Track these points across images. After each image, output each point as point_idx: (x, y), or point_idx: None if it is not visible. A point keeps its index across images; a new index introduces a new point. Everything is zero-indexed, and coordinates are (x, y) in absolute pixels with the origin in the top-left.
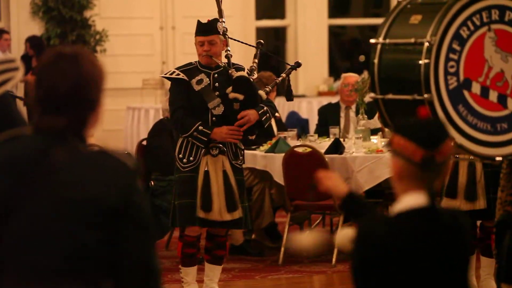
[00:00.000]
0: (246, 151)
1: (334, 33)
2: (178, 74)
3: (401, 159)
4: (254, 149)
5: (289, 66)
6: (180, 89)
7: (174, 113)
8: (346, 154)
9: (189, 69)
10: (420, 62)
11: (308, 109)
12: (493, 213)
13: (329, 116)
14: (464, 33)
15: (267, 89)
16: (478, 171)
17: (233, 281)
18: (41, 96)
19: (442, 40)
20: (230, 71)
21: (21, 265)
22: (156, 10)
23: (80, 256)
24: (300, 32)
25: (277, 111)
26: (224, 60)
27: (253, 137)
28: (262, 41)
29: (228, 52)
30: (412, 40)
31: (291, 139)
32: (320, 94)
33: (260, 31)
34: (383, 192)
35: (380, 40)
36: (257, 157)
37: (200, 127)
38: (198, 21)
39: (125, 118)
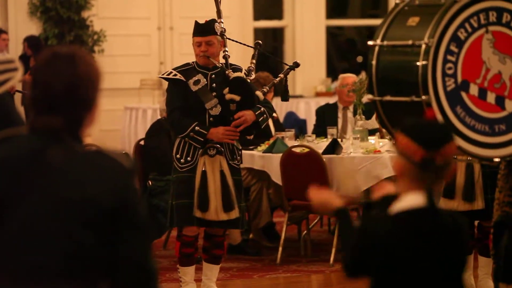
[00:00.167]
0: (244, 151)
1: (332, 34)
2: (175, 75)
3: (402, 158)
4: (252, 149)
5: (287, 67)
6: (177, 89)
7: (171, 113)
8: (344, 155)
9: (187, 70)
10: (418, 63)
11: (306, 110)
12: (491, 214)
13: (326, 117)
14: (461, 35)
15: (265, 89)
16: (476, 172)
17: (231, 281)
18: (37, 96)
19: (440, 42)
20: (227, 72)
21: (18, 266)
22: (154, 10)
23: (76, 256)
24: (298, 33)
25: (274, 112)
26: (222, 60)
27: (251, 137)
28: (260, 41)
29: (226, 53)
30: (410, 42)
31: (289, 139)
32: (318, 94)
33: (258, 32)
34: None
35: (378, 42)
36: (255, 157)
37: (197, 128)
38: (196, 22)
39: (122, 118)
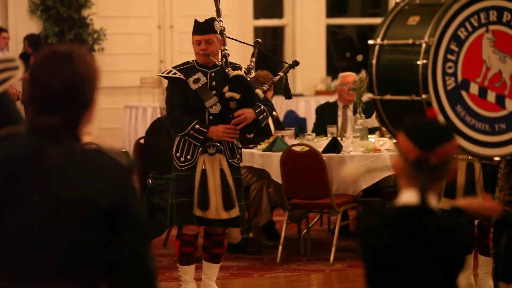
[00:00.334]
0: (243, 150)
1: (332, 32)
2: (175, 73)
3: (400, 157)
4: (252, 148)
5: (286, 65)
6: (177, 88)
7: (170, 112)
8: (344, 153)
9: (186, 68)
10: (418, 62)
11: (306, 108)
12: None
13: (326, 115)
14: (462, 34)
15: (265, 88)
16: (477, 171)
17: (231, 279)
18: (36, 94)
19: (440, 41)
20: (227, 70)
21: (17, 265)
22: (154, 9)
23: (76, 255)
24: (298, 31)
25: (274, 110)
26: (222, 59)
27: (251, 135)
28: (259, 40)
29: (226, 51)
30: (410, 41)
31: (289, 138)
32: (318, 93)
33: (258, 31)
34: (381, 191)
35: (378, 41)
36: (255, 156)
37: (197, 126)
38: (196, 20)
39: (122, 117)
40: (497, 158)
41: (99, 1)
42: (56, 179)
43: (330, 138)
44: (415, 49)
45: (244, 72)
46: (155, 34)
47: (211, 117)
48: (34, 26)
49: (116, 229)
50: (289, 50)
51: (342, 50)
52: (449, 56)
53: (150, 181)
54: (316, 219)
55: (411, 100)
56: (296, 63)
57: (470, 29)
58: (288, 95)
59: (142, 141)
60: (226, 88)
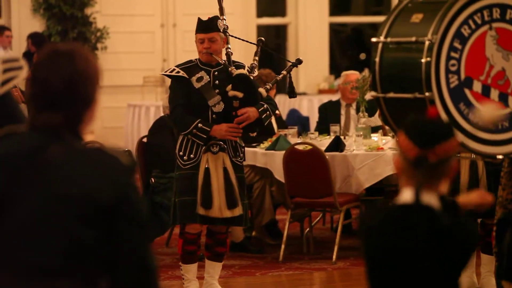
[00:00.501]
0: (246, 149)
1: (335, 31)
2: (178, 72)
3: (400, 155)
4: (255, 147)
5: (289, 64)
6: (180, 86)
7: (173, 110)
8: (347, 152)
9: (189, 67)
10: (422, 60)
11: (309, 107)
12: (494, 212)
13: (329, 114)
14: (465, 31)
15: (268, 86)
16: (480, 170)
17: (233, 278)
18: (37, 92)
19: (443, 38)
20: (230, 69)
21: (17, 263)
22: (157, 7)
23: (76, 253)
24: (301, 30)
25: (277, 109)
26: (225, 57)
27: (254, 134)
28: (262, 38)
29: (229, 50)
30: (413, 39)
31: (292, 136)
32: (321, 92)
33: (261, 29)
34: (384, 190)
35: (382, 38)
36: (258, 155)
37: (200, 125)
38: (199, 19)
39: (125, 115)
40: (500, 156)
41: None
42: (56, 177)
43: (333, 137)
44: (419, 47)
45: (247, 70)
46: (158, 33)
47: (214, 115)
48: (37, 25)
49: (116, 228)
50: (292, 49)
51: (345, 48)
52: (452, 54)
53: (153, 180)
54: (318, 218)
55: (414, 98)
56: (299, 62)
57: (473, 26)
58: (292, 93)
59: (145, 139)
60: (229, 86)
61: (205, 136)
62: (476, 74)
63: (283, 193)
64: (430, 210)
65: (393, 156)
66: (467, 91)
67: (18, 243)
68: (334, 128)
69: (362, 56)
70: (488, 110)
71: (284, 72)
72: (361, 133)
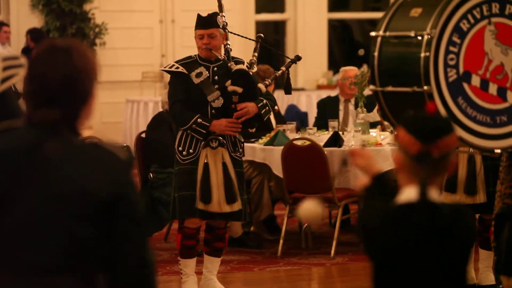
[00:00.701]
0: (245, 144)
1: (334, 27)
2: (177, 68)
3: (400, 151)
4: (253, 142)
5: (288, 60)
6: (180, 82)
7: (173, 106)
8: (345, 147)
9: (189, 63)
10: (420, 54)
11: (307, 102)
12: (492, 207)
13: (328, 109)
14: (464, 26)
15: (267, 82)
16: (478, 165)
17: (231, 273)
18: (34, 88)
19: (442, 33)
20: (229, 64)
21: (16, 261)
22: (156, 3)
23: (74, 250)
24: (300, 26)
25: (276, 104)
26: (224, 53)
27: (253, 130)
28: (262, 34)
29: (228, 46)
30: (412, 33)
31: (290, 132)
32: (319, 87)
33: (260, 25)
34: None
35: (381, 33)
36: (256, 150)
37: (199, 120)
38: (198, 15)
39: (124, 111)
40: (498, 151)
41: None
42: (54, 174)
43: (331, 132)
44: (417, 41)
45: (247, 66)
46: (157, 29)
47: (213, 111)
48: (35, 21)
49: (114, 224)
50: (291, 45)
51: (344, 44)
52: (451, 48)
53: (151, 175)
54: None
55: (413, 92)
56: (298, 58)
57: (472, 21)
58: (288, 90)
59: (143, 135)
60: (229, 82)
61: (204, 132)
62: (474, 68)
63: (282, 188)
64: (436, 207)
65: (392, 152)
66: (465, 85)
67: (18, 242)
68: (333, 123)
69: (361, 52)
70: (307, 206)
71: (283, 68)
72: (360, 128)
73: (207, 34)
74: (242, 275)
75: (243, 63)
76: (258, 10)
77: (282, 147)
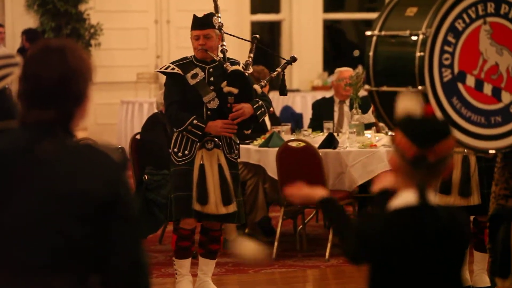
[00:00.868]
0: (240, 146)
1: (329, 27)
2: (173, 69)
3: (397, 154)
4: (248, 144)
5: (284, 61)
6: (175, 83)
7: (168, 107)
8: (340, 149)
9: (184, 64)
10: (415, 54)
11: (302, 104)
12: (487, 209)
13: (323, 111)
14: (459, 25)
15: (262, 83)
16: (472, 166)
17: (226, 275)
18: (28, 89)
19: (437, 32)
20: (225, 65)
21: (9, 260)
22: (151, 4)
23: (66, 250)
24: (295, 26)
25: (271, 106)
26: (220, 54)
27: (248, 131)
28: (257, 35)
29: (224, 47)
30: (407, 33)
31: (285, 133)
32: (314, 88)
33: (255, 26)
34: None
35: (376, 32)
36: (251, 152)
37: (195, 121)
38: (194, 15)
39: (119, 112)
40: (492, 151)
41: None
42: (47, 174)
43: (326, 134)
44: (412, 41)
45: (242, 67)
46: (152, 29)
47: (209, 112)
48: (31, 21)
49: (108, 225)
50: (286, 45)
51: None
52: (446, 48)
53: (146, 177)
54: (312, 215)
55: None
56: (293, 59)
57: (467, 20)
58: (283, 91)
59: (138, 136)
60: (224, 83)
61: (200, 133)
62: (469, 68)
63: (276, 190)
64: (435, 209)
65: (387, 154)
66: (460, 85)
67: (12, 242)
68: (328, 125)
69: (356, 52)
70: (248, 246)
71: (278, 69)
72: (355, 130)
73: (203, 35)
74: (237, 277)
75: (239, 64)
76: (253, 11)
77: (277, 149)
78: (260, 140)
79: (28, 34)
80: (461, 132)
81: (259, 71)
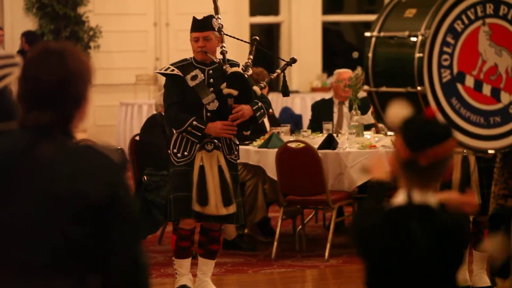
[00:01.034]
0: (239, 146)
1: (328, 29)
2: (172, 70)
3: (394, 155)
4: (247, 144)
5: (284, 63)
6: (175, 85)
7: (168, 108)
8: (339, 150)
9: (184, 65)
10: (414, 55)
11: (302, 105)
12: (486, 209)
13: (322, 112)
14: (458, 26)
15: (262, 85)
16: (471, 166)
17: (226, 276)
18: (27, 91)
19: (436, 33)
20: (224, 67)
21: (8, 260)
22: (150, 6)
23: (67, 251)
24: (294, 28)
25: (271, 107)
26: (220, 56)
27: (247, 133)
28: (257, 37)
29: (224, 49)
30: (406, 34)
31: (285, 134)
32: (314, 90)
33: (254, 28)
34: None
35: (375, 33)
36: (250, 152)
37: (194, 122)
38: (194, 18)
39: (118, 114)
40: (491, 151)
41: None
42: (47, 176)
43: (325, 135)
44: (411, 42)
45: (242, 69)
46: (151, 32)
47: (208, 114)
48: (30, 24)
49: (107, 226)
50: (285, 47)
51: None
52: (445, 49)
53: (145, 178)
54: (311, 216)
55: (406, 92)
56: (293, 61)
57: (466, 22)
58: (286, 93)
59: (137, 138)
60: (224, 85)
61: (199, 134)
62: (468, 69)
63: (276, 190)
64: (428, 210)
65: (386, 154)
66: (459, 86)
67: (11, 242)
68: (327, 126)
69: (355, 54)
70: (395, 110)
71: (278, 71)
72: (354, 131)
73: (203, 37)
74: (236, 277)
75: (238, 65)
76: (253, 13)
77: (276, 150)
78: (259, 141)
79: (27, 36)
80: (461, 132)
81: (259, 72)
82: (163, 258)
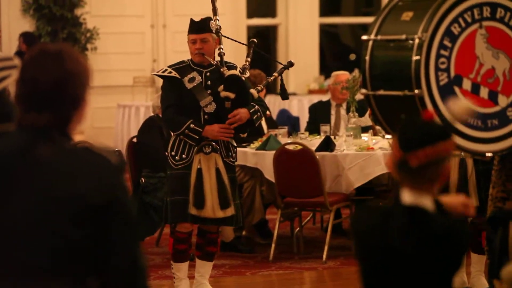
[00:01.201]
0: (237, 149)
1: (325, 31)
2: (170, 72)
3: (391, 156)
4: (245, 147)
5: (281, 66)
6: (172, 87)
7: (165, 110)
8: (337, 152)
9: (182, 67)
10: (411, 58)
11: (299, 107)
12: (484, 211)
13: (319, 114)
14: (455, 29)
15: (259, 87)
16: (469, 169)
17: (223, 278)
18: (25, 92)
19: (433, 36)
20: (222, 70)
21: (7, 263)
22: (147, 8)
23: (64, 252)
24: (291, 30)
25: (268, 110)
26: (217, 58)
27: (244, 135)
28: (255, 40)
29: (221, 51)
30: (403, 37)
31: (282, 136)
32: (311, 92)
33: (251, 30)
34: (374, 190)
35: (372, 36)
36: (248, 155)
37: (192, 125)
38: (191, 19)
39: (115, 116)
40: (489, 154)
41: (92, 0)
42: (45, 177)
43: (323, 137)
44: (408, 45)
45: (239, 71)
46: (148, 33)
47: (206, 116)
48: (27, 25)
49: (106, 227)
50: (282, 49)
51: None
52: (442, 52)
53: (143, 180)
54: (309, 218)
55: (404, 96)
56: (291, 64)
57: (463, 24)
58: (284, 95)
59: (135, 139)
60: (221, 87)
61: (197, 137)
62: (466, 72)
63: (273, 193)
64: (419, 211)
65: (384, 156)
66: (456, 89)
67: (11, 243)
68: (324, 128)
69: (352, 56)
70: (460, 104)
71: (275, 74)
72: (351, 133)
73: (200, 39)
74: (234, 279)
75: (236, 68)
76: (250, 15)
77: (274, 152)
78: (257, 143)
79: (25, 37)
80: (458, 135)
81: (256, 75)
82: (160, 260)
